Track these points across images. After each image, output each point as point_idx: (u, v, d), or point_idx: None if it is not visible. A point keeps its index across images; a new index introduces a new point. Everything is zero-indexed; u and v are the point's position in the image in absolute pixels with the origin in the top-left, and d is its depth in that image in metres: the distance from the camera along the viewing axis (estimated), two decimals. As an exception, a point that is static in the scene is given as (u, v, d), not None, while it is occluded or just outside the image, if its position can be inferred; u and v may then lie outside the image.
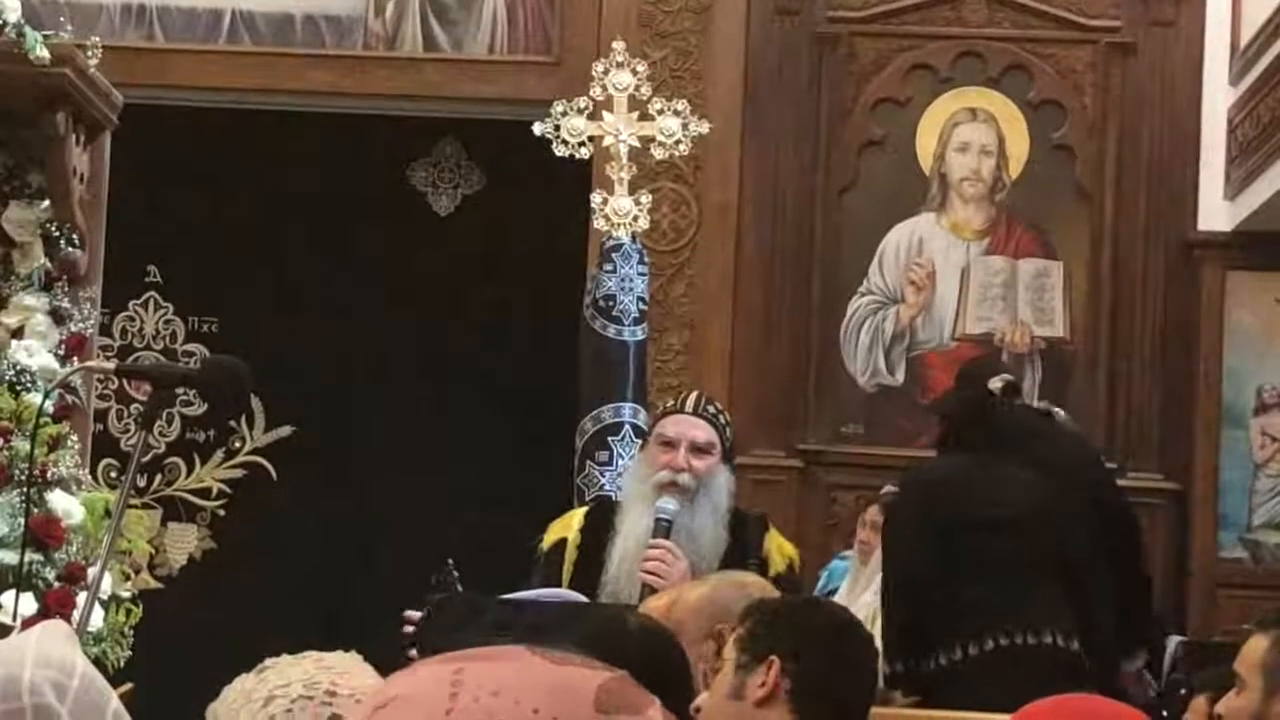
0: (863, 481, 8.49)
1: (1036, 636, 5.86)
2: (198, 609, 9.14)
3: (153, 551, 8.98)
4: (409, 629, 4.74)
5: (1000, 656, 5.78)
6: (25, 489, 5.49)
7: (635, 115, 7.14)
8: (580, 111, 7.07)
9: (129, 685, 4.82)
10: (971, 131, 9.08)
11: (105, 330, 8.61)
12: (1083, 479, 6.59)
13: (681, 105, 7.22)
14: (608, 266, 6.88)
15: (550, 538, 5.37)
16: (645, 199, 7.09)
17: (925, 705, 5.86)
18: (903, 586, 6.03)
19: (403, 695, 1.25)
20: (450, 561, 4.99)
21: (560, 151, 7.05)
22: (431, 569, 5.51)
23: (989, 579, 5.89)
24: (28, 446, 5.45)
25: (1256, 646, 4.02)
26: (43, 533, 5.59)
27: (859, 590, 6.74)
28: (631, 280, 6.85)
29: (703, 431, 5.24)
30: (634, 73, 7.16)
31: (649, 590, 4.93)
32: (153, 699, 4.47)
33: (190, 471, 9.85)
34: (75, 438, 5.94)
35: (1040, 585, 5.94)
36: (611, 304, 6.80)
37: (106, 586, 5.61)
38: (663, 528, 5.10)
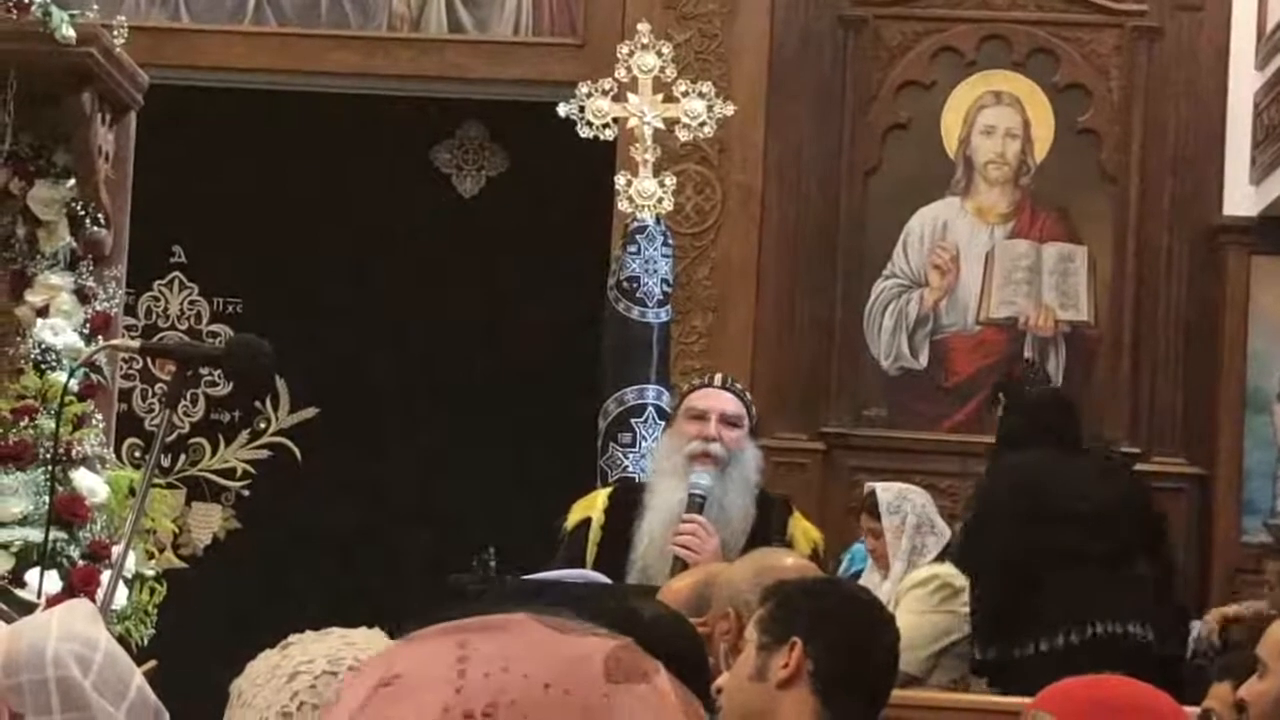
0: (885, 465, 8.49)
1: (1122, 625, 5.95)
2: (222, 588, 9.17)
3: (177, 531, 9.01)
4: None
5: (1097, 645, 5.84)
6: (50, 467, 5.51)
7: (660, 97, 7.14)
8: (605, 93, 7.07)
9: (153, 662, 4.84)
10: (996, 115, 9.05)
11: (130, 310, 8.63)
12: (1129, 471, 6.73)
13: (706, 87, 7.21)
14: (631, 248, 6.88)
15: (574, 518, 5.38)
16: (669, 181, 7.09)
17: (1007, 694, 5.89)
18: (994, 572, 6.08)
19: (407, 672, 1.23)
20: (491, 550, 5.00)
21: (585, 133, 7.05)
22: (455, 547, 5.52)
23: (1078, 568, 5.97)
24: (53, 425, 5.47)
25: (1279, 631, 4.02)
26: (67, 511, 5.62)
27: (878, 581, 6.74)
28: (655, 262, 6.86)
29: (732, 404, 5.27)
30: (659, 55, 7.16)
31: (680, 564, 4.94)
32: (177, 676, 4.48)
33: (215, 452, 9.87)
34: (100, 416, 5.96)
35: (1119, 575, 6.04)
36: (635, 286, 6.81)
37: (131, 565, 5.62)
38: (696, 503, 5.11)
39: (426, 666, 1.22)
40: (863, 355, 8.97)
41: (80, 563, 5.63)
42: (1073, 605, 6.01)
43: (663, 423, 6.22)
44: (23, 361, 5.96)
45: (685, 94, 7.13)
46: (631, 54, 7.16)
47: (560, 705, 1.19)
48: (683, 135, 7.20)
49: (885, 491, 6.83)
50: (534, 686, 1.19)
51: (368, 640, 2.19)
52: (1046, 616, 6.02)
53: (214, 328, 9.90)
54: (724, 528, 5.12)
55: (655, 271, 6.85)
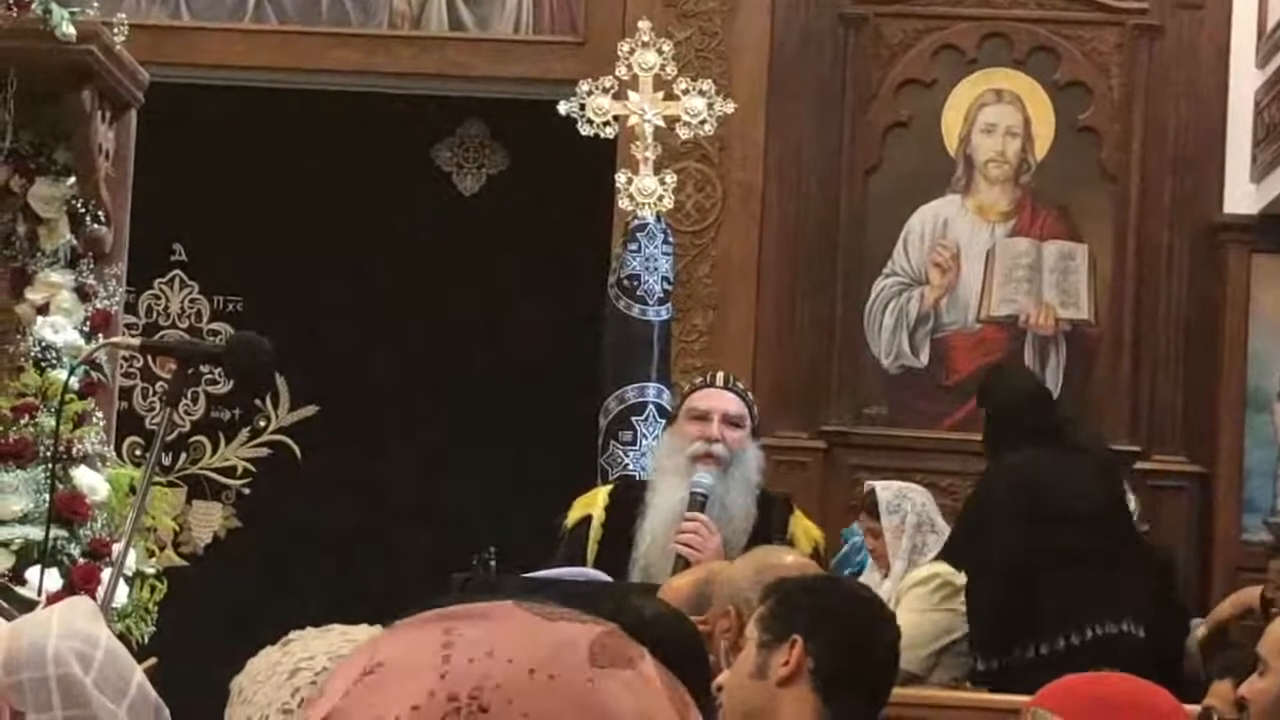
0: (886, 463, 8.49)
1: (1119, 625, 5.96)
2: (222, 586, 9.17)
3: (177, 529, 9.01)
4: None
5: (1097, 646, 5.85)
6: (50, 465, 5.51)
7: (660, 95, 7.14)
8: (605, 91, 7.06)
9: (153, 660, 4.84)
10: (997, 113, 9.05)
11: (130, 308, 8.62)
12: (1119, 467, 6.74)
13: (707, 85, 7.21)
14: (632, 246, 6.88)
15: (574, 515, 5.38)
16: (670, 179, 7.09)
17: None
18: (993, 573, 6.07)
19: (391, 659, 1.23)
20: (492, 549, 5.01)
21: (585, 131, 7.05)
22: (455, 546, 5.52)
23: (1078, 568, 5.98)
24: (53, 422, 5.47)
25: (1279, 629, 4.02)
26: (68, 509, 5.62)
27: (879, 580, 6.74)
28: (656, 260, 6.86)
29: (734, 404, 5.28)
30: (659, 52, 7.16)
31: (682, 562, 4.95)
32: (177, 674, 4.48)
33: (215, 450, 9.87)
34: (100, 414, 5.96)
35: (1118, 573, 6.05)
36: (635, 284, 6.81)
37: (131, 563, 5.63)
38: (698, 501, 5.12)
39: (411, 653, 1.23)
40: (863, 353, 8.97)
41: (81, 560, 5.63)
42: (1073, 607, 6.01)
43: (663, 421, 6.22)
44: (23, 359, 5.96)
45: (686, 92, 7.13)
46: (632, 52, 7.16)
47: (545, 690, 1.19)
48: (683, 133, 7.20)
49: (884, 491, 6.82)
50: (519, 671, 1.20)
51: (369, 637, 2.19)
52: (1047, 619, 6.02)
53: (214, 326, 9.90)
54: (725, 526, 5.13)
55: (656, 269, 6.85)
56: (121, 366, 6.95)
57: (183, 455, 9.81)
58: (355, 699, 1.22)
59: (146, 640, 5.82)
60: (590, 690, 1.20)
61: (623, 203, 7.10)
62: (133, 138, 6.42)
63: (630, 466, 6.43)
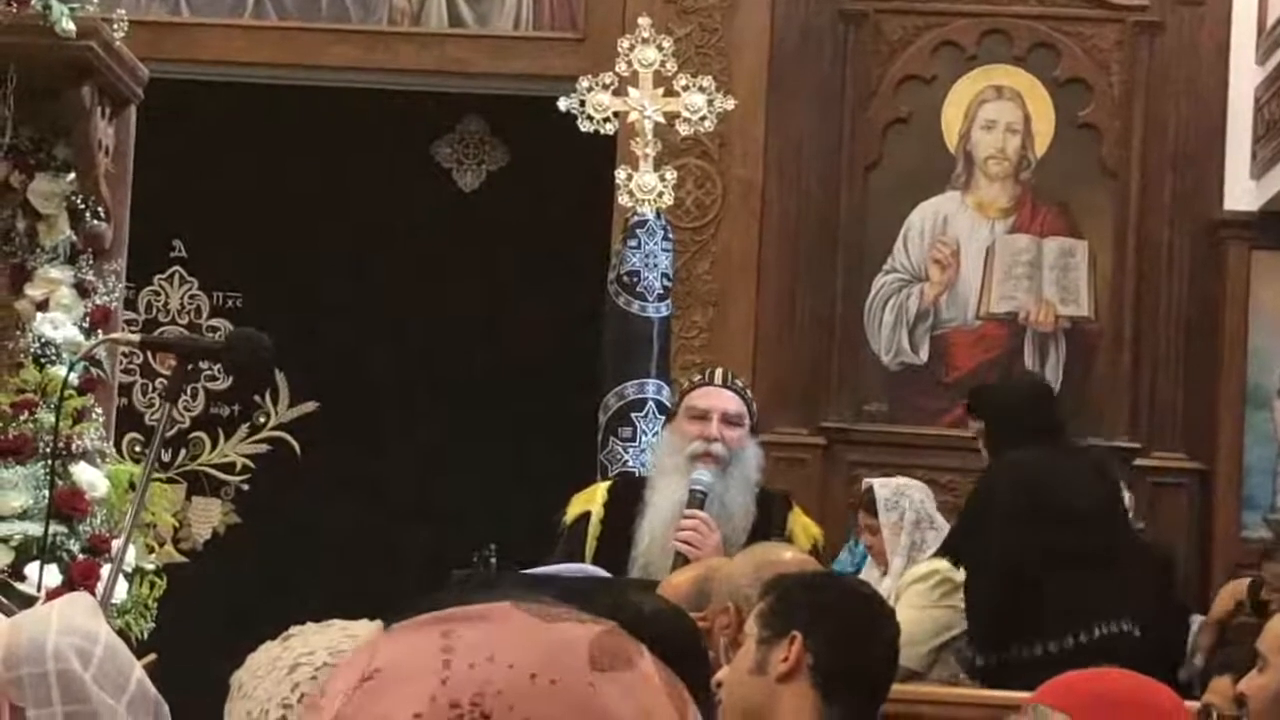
0: (886, 460, 8.49)
1: (1119, 624, 5.97)
2: (221, 583, 9.17)
3: (177, 525, 9.01)
4: None
5: (1099, 645, 5.85)
6: (50, 461, 5.51)
7: (660, 91, 7.14)
8: (605, 87, 7.07)
9: (153, 656, 4.84)
10: (997, 109, 9.04)
11: (130, 305, 8.62)
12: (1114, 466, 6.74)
13: (706, 82, 7.21)
14: (632, 242, 6.88)
15: (573, 511, 5.38)
16: (670, 175, 7.09)
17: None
18: (993, 571, 6.07)
19: (390, 664, 1.23)
20: (491, 546, 5.01)
21: (585, 127, 7.06)
22: (454, 542, 5.52)
23: (1079, 568, 5.98)
24: (52, 419, 5.47)
25: (1279, 625, 4.02)
26: (67, 505, 5.62)
27: (877, 578, 6.74)
28: (656, 256, 6.86)
29: (733, 403, 5.28)
30: (659, 49, 7.16)
31: (682, 560, 4.95)
32: (176, 670, 4.48)
33: (215, 446, 9.87)
34: (100, 411, 5.96)
35: (1119, 573, 6.06)
36: (635, 280, 6.81)
37: (130, 559, 5.62)
38: (698, 499, 5.12)
39: (410, 658, 1.22)
40: (863, 350, 8.97)
41: (80, 556, 5.63)
42: (1074, 606, 6.01)
43: (663, 417, 6.22)
44: (22, 355, 5.96)
45: (686, 88, 7.13)
46: (632, 48, 7.16)
47: (547, 694, 1.19)
48: (683, 129, 7.20)
49: (883, 488, 6.82)
50: (520, 676, 1.20)
51: (369, 633, 2.19)
52: (1048, 618, 6.02)
53: (214, 322, 9.89)
54: (725, 524, 5.14)
55: (655, 266, 6.86)
56: (121, 363, 6.95)
57: (182, 451, 9.81)
58: (356, 706, 1.22)
59: (146, 636, 5.81)
60: (591, 695, 1.20)
61: (623, 199, 7.10)
62: (132, 134, 6.42)
63: (630, 463, 6.43)
